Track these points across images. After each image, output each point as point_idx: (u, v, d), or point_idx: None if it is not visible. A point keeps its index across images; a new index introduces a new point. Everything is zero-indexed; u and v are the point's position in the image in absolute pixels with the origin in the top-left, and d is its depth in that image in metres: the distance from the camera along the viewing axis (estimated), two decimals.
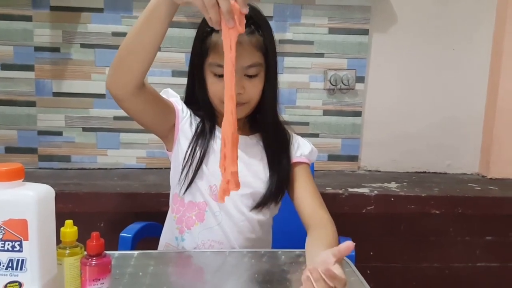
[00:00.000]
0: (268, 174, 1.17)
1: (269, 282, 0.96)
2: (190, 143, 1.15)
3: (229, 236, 1.14)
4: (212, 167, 1.13)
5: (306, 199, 1.15)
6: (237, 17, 0.83)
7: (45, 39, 1.93)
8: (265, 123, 1.19)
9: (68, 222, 0.82)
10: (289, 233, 1.28)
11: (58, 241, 0.82)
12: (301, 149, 1.22)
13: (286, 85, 2.00)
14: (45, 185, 0.75)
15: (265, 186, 1.16)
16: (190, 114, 1.18)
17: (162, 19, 0.94)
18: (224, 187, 0.89)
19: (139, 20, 0.97)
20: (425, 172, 2.13)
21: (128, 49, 0.99)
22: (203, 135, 1.15)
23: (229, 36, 0.84)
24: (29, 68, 1.94)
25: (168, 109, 1.15)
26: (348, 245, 0.81)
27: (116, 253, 1.08)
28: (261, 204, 1.17)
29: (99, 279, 0.77)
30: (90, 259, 0.77)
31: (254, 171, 1.17)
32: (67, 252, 0.81)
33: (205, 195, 1.15)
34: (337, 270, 0.79)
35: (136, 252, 1.12)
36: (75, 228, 0.83)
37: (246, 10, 0.84)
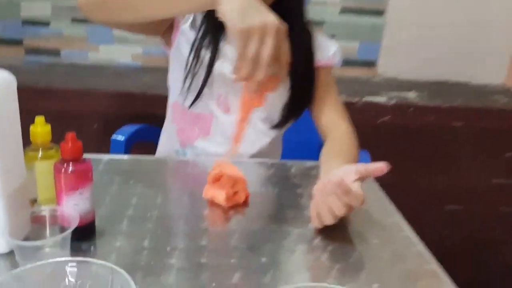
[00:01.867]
0: (288, 85, 0.99)
1: (278, 196, 0.84)
2: (192, 48, 0.96)
3: (237, 151, 1.00)
4: (221, 72, 0.96)
5: (326, 107, 1.00)
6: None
7: None
8: (290, 21, 0.99)
9: (39, 119, 0.68)
10: (300, 143, 1.14)
11: (29, 142, 0.68)
12: (324, 49, 1.03)
13: None
14: (1, 71, 0.59)
15: (283, 99, 1.00)
16: None
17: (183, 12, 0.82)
18: (230, 195, 0.77)
19: None
20: (446, 81, 1.96)
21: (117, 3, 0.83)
22: (209, 34, 0.96)
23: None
24: None
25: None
26: (380, 166, 0.67)
27: (105, 157, 0.96)
28: (280, 124, 1.01)
29: (77, 189, 0.63)
30: (65, 165, 0.63)
31: None
32: (39, 155, 0.68)
33: (211, 106, 0.99)
34: (354, 186, 0.66)
35: (128, 157, 0.99)
36: (48, 126, 0.68)
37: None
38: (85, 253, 0.64)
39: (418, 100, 1.67)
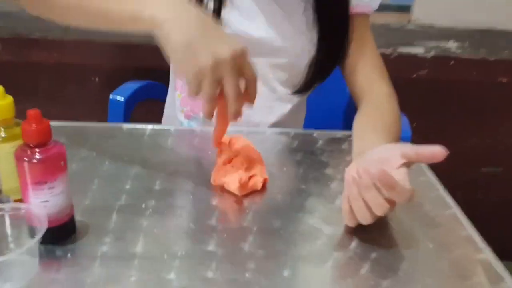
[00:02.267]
0: (314, 38, 0.81)
1: (303, 179, 0.69)
2: None
3: (252, 121, 0.83)
4: (229, 23, 0.79)
5: (361, 65, 0.82)
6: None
7: None
8: None
9: None
10: (327, 109, 0.98)
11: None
12: None
13: None
14: None
15: (308, 54, 0.82)
16: None
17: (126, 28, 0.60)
18: (244, 181, 0.62)
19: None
20: (491, 29, 1.73)
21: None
22: None
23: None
24: None
25: None
26: (436, 152, 0.51)
27: (95, 125, 0.81)
28: (304, 88, 0.84)
29: (46, 182, 0.49)
30: (29, 152, 0.48)
31: (292, 32, 0.81)
32: (2, 135, 0.53)
33: None
34: (400, 175, 0.51)
35: (124, 126, 0.84)
36: (10, 98, 0.53)
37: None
38: (59, 261, 0.50)
39: (461, 52, 1.47)
